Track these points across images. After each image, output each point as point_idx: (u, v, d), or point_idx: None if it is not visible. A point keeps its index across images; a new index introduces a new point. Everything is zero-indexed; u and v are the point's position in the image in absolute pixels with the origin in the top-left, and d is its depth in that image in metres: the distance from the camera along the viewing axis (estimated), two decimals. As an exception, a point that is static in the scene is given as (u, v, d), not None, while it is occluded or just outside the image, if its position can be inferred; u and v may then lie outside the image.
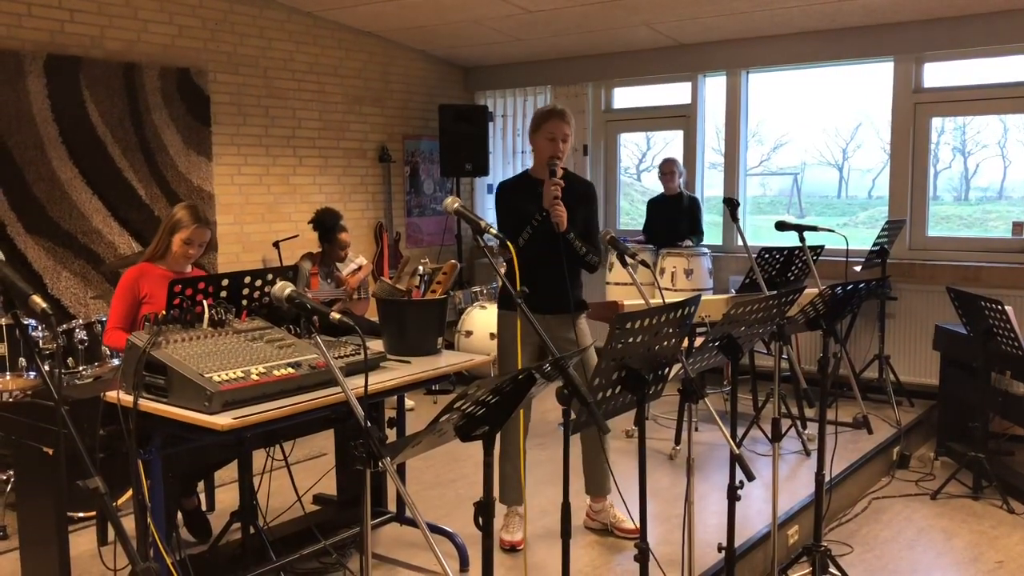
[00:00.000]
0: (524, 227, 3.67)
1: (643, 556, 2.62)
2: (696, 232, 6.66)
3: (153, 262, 3.79)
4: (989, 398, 4.82)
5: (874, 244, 6.01)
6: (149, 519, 2.83)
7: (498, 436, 3.67)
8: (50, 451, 3.03)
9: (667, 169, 6.66)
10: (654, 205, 6.87)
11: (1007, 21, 5.87)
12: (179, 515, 3.78)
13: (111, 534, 3.71)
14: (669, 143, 8.25)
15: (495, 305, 6.57)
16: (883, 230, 6.06)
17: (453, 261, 3.90)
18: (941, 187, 9.64)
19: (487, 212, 8.43)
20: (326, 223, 5.65)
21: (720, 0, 6.01)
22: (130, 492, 3.54)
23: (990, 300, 4.53)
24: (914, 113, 6.39)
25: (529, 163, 8.45)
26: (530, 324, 2.78)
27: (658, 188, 6.92)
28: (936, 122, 6.54)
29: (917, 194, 6.47)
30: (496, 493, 3.74)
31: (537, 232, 3.67)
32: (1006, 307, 4.45)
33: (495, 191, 3.94)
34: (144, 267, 3.77)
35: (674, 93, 7.56)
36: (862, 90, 8.53)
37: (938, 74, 6.38)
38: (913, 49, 6.28)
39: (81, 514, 3.98)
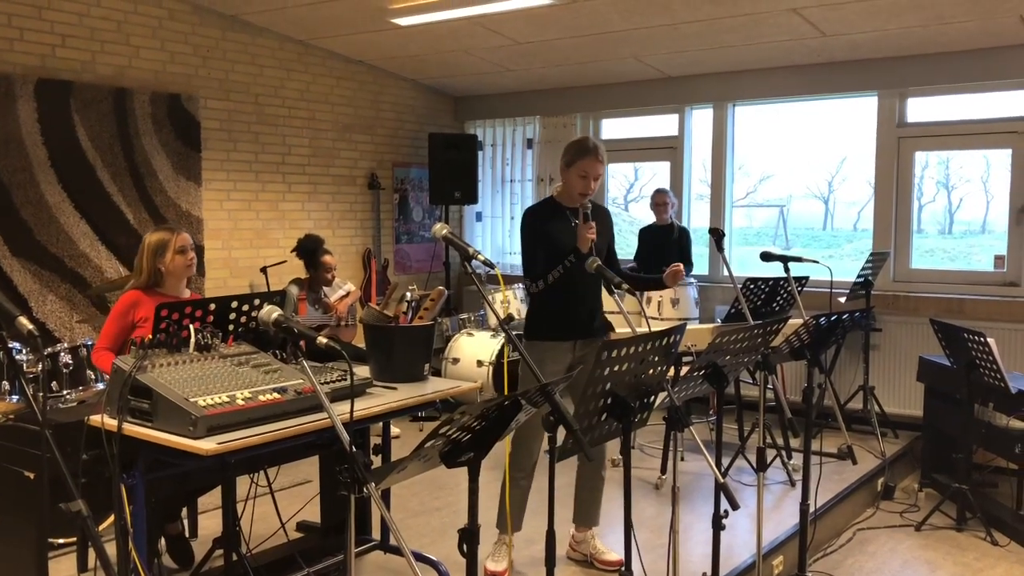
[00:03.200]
0: (556, 263, 3.68)
1: (627, 585, 2.61)
2: (685, 263, 6.69)
3: (146, 291, 3.77)
4: (972, 430, 4.85)
5: (858, 276, 6.06)
6: (131, 545, 2.80)
7: (508, 463, 3.72)
8: (32, 475, 3.01)
9: (659, 200, 6.71)
10: (645, 234, 6.92)
11: (989, 58, 5.97)
12: (161, 541, 3.75)
13: (92, 560, 3.67)
14: (656, 174, 8.32)
15: (482, 332, 6.61)
16: (867, 262, 6.11)
17: (441, 288, 3.91)
18: (925, 220, 9.75)
19: (475, 239, 8.47)
20: (308, 248, 5.66)
21: (707, 34, 6.09)
22: (112, 517, 3.51)
23: (973, 332, 4.57)
24: (898, 147, 6.47)
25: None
26: (519, 351, 2.80)
27: (646, 218, 6.97)
28: (920, 156, 6.62)
29: (901, 227, 6.54)
30: (490, 519, 3.75)
31: (569, 268, 3.69)
32: (989, 339, 4.49)
33: (523, 217, 3.90)
34: (139, 294, 3.75)
35: (661, 125, 7.64)
36: (847, 124, 8.65)
37: (921, 109, 6.47)
38: (897, 84, 6.38)
39: (61, 540, 3.93)
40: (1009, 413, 4.65)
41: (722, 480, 2.83)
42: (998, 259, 6.23)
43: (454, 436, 2.16)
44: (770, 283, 5.33)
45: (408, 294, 3.87)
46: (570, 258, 3.66)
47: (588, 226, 3.65)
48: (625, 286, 3.46)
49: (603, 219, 3.91)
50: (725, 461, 5.03)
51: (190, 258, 3.83)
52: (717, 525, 3.07)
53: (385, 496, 3.93)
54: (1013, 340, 5.87)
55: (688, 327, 3.81)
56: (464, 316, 7.15)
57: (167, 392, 2.70)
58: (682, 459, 5.40)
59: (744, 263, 7.62)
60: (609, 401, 2.56)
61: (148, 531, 2.97)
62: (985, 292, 6.13)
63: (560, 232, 3.76)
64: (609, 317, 6.48)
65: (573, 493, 4.00)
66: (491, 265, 3.04)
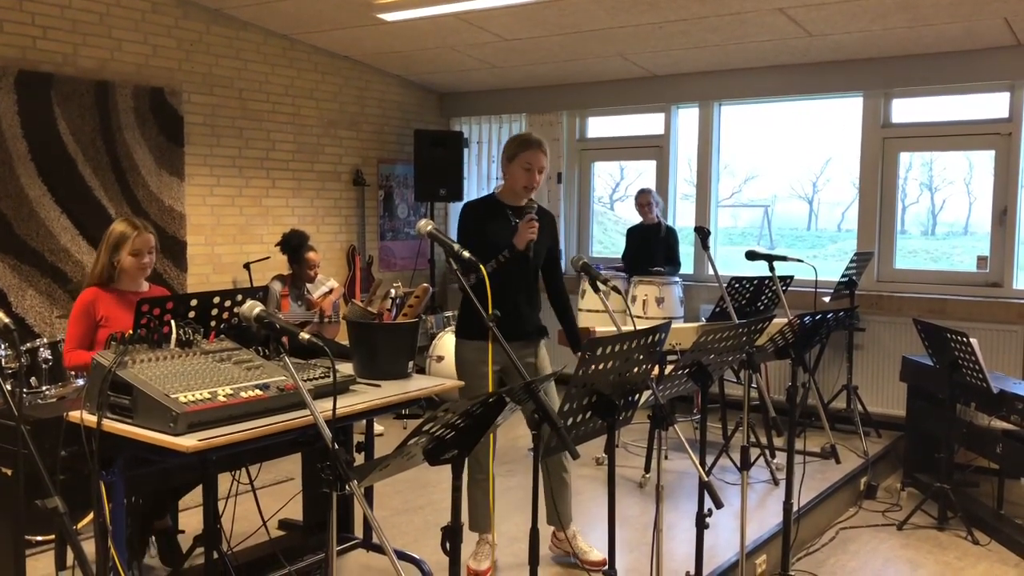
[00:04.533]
0: (489, 259, 3.61)
1: (611, 584, 2.60)
2: (672, 262, 6.70)
3: (102, 287, 3.69)
4: (954, 429, 4.87)
5: (843, 275, 6.08)
6: (110, 543, 2.77)
7: (467, 462, 3.68)
8: (8, 472, 2.97)
9: (643, 200, 6.71)
10: (632, 234, 6.92)
11: (973, 60, 6.01)
12: (151, 538, 3.72)
13: (70, 558, 3.63)
14: (642, 173, 8.33)
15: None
16: (851, 262, 6.14)
17: (425, 285, 3.89)
18: (909, 221, 9.82)
19: (460, 237, 8.43)
20: (292, 243, 5.63)
21: (693, 33, 6.10)
22: (91, 515, 3.47)
23: (956, 332, 4.59)
24: (882, 148, 6.50)
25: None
26: (503, 350, 2.78)
27: (631, 217, 6.97)
28: (904, 157, 6.65)
29: (885, 227, 6.56)
30: (465, 519, 3.74)
31: (503, 265, 3.65)
32: (971, 339, 4.51)
33: (461, 211, 3.86)
34: (96, 291, 3.68)
35: (647, 123, 7.63)
36: (832, 124, 8.68)
37: (906, 110, 6.50)
38: (881, 85, 6.40)
39: (39, 537, 3.89)
40: (991, 413, 4.68)
41: (706, 479, 2.83)
42: (981, 260, 6.26)
43: (438, 434, 2.15)
44: (755, 282, 5.34)
45: (392, 291, 3.84)
46: (504, 253, 3.62)
47: (529, 223, 3.60)
48: (612, 283, 3.45)
49: (546, 223, 3.86)
50: (709, 460, 5.04)
51: (144, 262, 3.72)
52: (701, 524, 3.07)
53: (368, 494, 3.90)
54: (995, 340, 5.91)
55: (673, 326, 3.82)
56: (449, 314, 7.13)
57: (147, 388, 2.67)
58: (666, 457, 5.41)
59: (729, 262, 7.64)
60: (594, 399, 2.55)
61: (134, 530, 2.93)
62: (968, 293, 6.16)
63: (498, 229, 3.71)
64: (593, 315, 6.52)
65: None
66: (475, 261, 3.03)
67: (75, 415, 2.78)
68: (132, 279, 3.74)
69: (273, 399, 2.87)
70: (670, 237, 6.74)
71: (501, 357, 3.68)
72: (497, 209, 3.79)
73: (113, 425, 2.72)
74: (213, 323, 3.31)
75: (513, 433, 5.74)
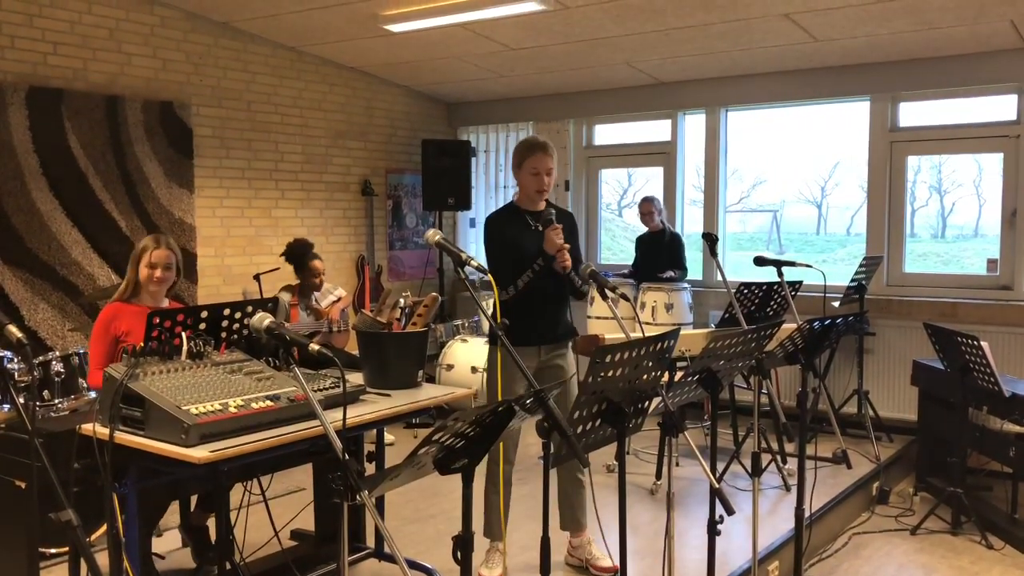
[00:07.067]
0: (524, 269, 3.64)
1: (623, 591, 2.60)
2: (679, 267, 6.70)
3: (126, 301, 3.73)
4: (966, 433, 4.85)
5: (852, 280, 6.07)
6: (123, 554, 2.79)
7: (484, 467, 3.68)
8: (23, 484, 2.99)
9: (645, 209, 6.75)
10: (640, 242, 6.95)
11: (979, 63, 5.99)
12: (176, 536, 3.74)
13: (84, 570, 3.65)
14: (649, 180, 8.32)
15: (476, 339, 6.60)
16: (861, 266, 6.12)
17: (434, 294, 3.90)
18: (918, 225, 9.79)
19: (469, 246, 8.46)
20: (296, 252, 5.65)
21: (699, 39, 6.11)
22: (104, 527, 3.49)
23: (967, 336, 4.57)
24: (890, 152, 6.49)
25: (512, 197, 8.52)
26: (513, 357, 2.78)
27: (639, 223, 6.99)
28: (912, 161, 6.63)
29: (894, 231, 6.55)
30: (479, 527, 3.74)
31: (537, 272, 3.66)
32: (982, 343, 4.49)
33: (485, 225, 3.89)
34: (118, 307, 3.72)
35: (654, 130, 7.64)
36: (840, 129, 8.66)
37: (913, 113, 6.49)
38: (889, 89, 6.40)
39: (53, 550, 3.90)
40: (1003, 416, 4.65)
41: (717, 485, 2.83)
42: (991, 263, 6.24)
43: (448, 443, 2.15)
44: (764, 288, 5.34)
45: (402, 300, 3.85)
46: (539, 261, 3.63)
47: (554, 228, 3.61)
48: (620, 291, 3.46)
49: (567, 224, 3.86)
50: (720, 466, 5.03)
51: (158, 275, 3.73)
52: (712, 530, 3.07)
53: (379, 504, 3.91)
54: (1007, 343, 5.88)
55: (682, 332, 3.81)
56: (458, 322, 7.13)
57: (159, 400, 2.69)
58: (677, 464, 5.40)
59: (738, 268, 7.63)
60: (604, 406, 2.55)
61: (140, 540, 2.95)
62: (978, 296, 6.14)
63: (521, 237, 3.73)
64: (602, 322, 6.52)
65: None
66: (484, 271, 3.04)
67: (88, 428, 2.80)
68: (150, 294, 3.77)
69: (284, 410, 2.88)
70: (674, 243, 6.74)
71: (531, 362, 3.72)
72: (516, 216, 3.81)
73: (125, 437, 2.73)
74: (224, 335, 3.32)
75: (524, 440, 5.73)
